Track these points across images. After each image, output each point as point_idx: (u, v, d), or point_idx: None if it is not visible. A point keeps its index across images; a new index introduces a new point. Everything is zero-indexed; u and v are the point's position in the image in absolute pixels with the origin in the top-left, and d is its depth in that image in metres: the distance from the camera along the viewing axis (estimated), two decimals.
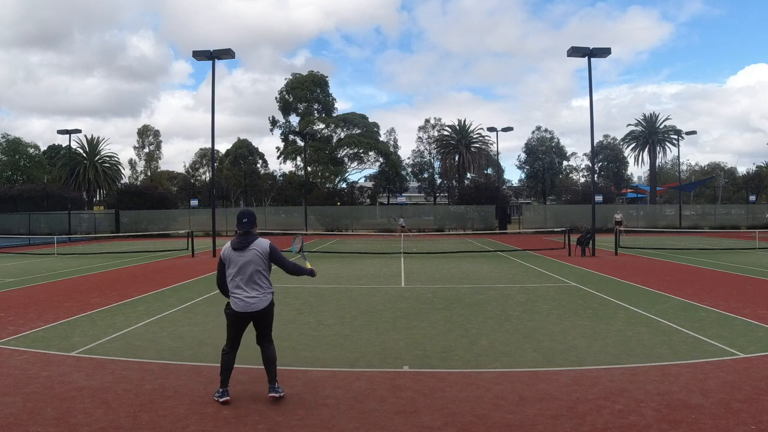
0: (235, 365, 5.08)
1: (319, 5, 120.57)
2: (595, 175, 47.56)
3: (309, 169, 53.93)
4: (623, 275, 14.18)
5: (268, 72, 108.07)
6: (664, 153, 61.57)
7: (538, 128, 67.56)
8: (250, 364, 6.18)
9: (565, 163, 67.63)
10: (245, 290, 4.97)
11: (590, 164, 46.46)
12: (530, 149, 64.60)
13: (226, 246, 5.14)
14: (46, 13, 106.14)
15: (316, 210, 43.84)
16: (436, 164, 61.48)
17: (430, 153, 61.75)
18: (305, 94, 59.24)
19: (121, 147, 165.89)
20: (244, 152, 62.60)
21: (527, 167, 65.07)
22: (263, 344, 5.18)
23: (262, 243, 5.08)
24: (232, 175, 59.87)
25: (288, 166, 61.59)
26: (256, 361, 6.34)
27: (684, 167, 66.70)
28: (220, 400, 4.92)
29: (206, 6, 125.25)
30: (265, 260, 5.09)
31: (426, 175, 62.43)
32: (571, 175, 69.10)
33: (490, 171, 58.75)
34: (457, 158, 56.23)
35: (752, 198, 45.76)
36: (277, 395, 4.96)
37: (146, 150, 69.20)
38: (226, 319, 5.11)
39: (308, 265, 5.56)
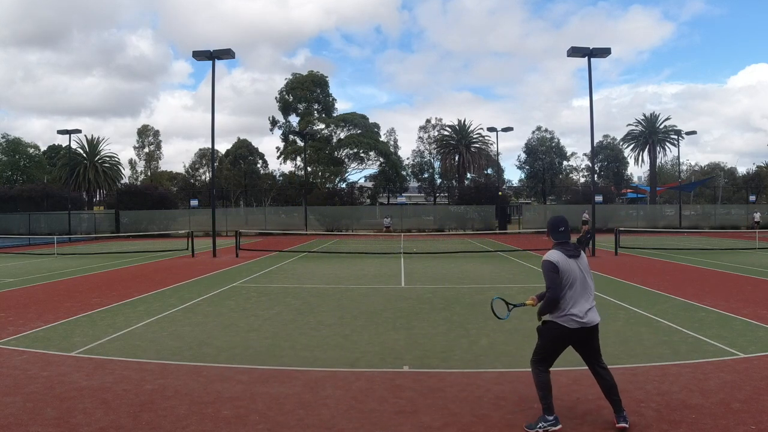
0: (235, 365, 5.07)
1: (319, 4, 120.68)
2: (595, 175, 47.56)
3: (309, 169, 53.92)
4: (623, 275, 14.18)
5: (268, 71, 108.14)
6: (664, 153, 61.67)
7: (539, 128, 67.51)
8: (251, 364, 6.19)
9: (565, 163, 67.63)
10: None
11: (590, 164, 46.47)
12: (530, 149, 64.56)
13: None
14: (45, 12, 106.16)
15: (316, 210, 43.85)
16: (436, 164, 61.52)
17: (430, 153, 61.76)
18: (305, 94, 59.21)
19: (120, 147, 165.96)
20: (244, 152, 62.55)
21: (527, 167, 65.09)
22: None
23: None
24: (232, 175, 59.84)
25: (288, 166, 61.62)
26: (257, 361, 6.36)
27: (684, 167, 66.78)
28: (552, 429, 4.20)
29: (205, 5, 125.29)
30: None
31: (426, 175, 62.42)
32: (571, 175, 69.06)
33: (490, 171, 58.74)
34: (457, 158, 56.23)
35: (752, 198, 45.76)
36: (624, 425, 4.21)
37: (146, 150, 69.20)
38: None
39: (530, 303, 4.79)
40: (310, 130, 52.94)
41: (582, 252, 4.53)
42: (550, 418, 4.25)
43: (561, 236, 4.43)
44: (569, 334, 4.30)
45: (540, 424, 4.23)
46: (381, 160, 58.16)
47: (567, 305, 4.28)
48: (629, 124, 64.14)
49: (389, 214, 42.64)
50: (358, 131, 57.91)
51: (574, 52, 20.39)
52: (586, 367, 5.95)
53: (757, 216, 27.17)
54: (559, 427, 4.22)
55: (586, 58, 20.53)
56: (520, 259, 19.34)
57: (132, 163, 69.30)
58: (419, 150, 62.02)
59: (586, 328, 4.30)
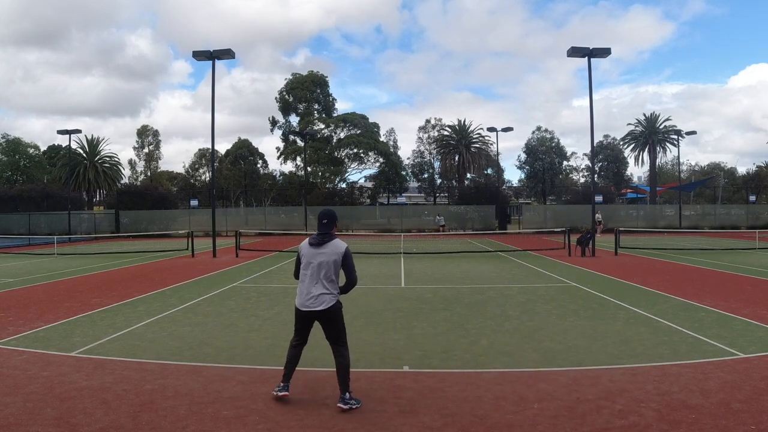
0: (235, 365, 5.08)
1: (319, 3, 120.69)
2: (595, 175, 47.55)
3: (309, 169, 53.93)
4: (623, 275, 14.18)
5: (268, 71, 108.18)
6: (664, 153, 61.69)
7: (539, 128, 67.57)
8: (251, 364, 6.19)
9: (565, 163, 67.67)
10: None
11: (590, 164, 46.48)
12: (530, 149, 64.59)
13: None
14: (44, 11, 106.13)
15: (316, 210, 43.76)
16: (436, 164, 61.56)
17: (430, 153, 61.79)
18: (305, 94, 59.23)
19: (120, 147, 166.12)
20: (244, 152, 62.55)
21: (527, 167, 65.10)
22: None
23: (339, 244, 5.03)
24: (232, 175, 59.85)
25: (288, 166, 61.64)
26: (257, 361, 6.36)
27: (684, 167, 66.74)
28: (279, 393, 4.93)
29: (205, 4, 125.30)
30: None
31: (426, 176, 62.44)
32: (571, 175, 69.10)
33: (490, 171, 58.75)
34: (457, 158, 56.24)
35: (752, 198, 45.76)
36: (345, 407, 4.69)
37: (146, 150, 69.16)
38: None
39: None
40: (310, 130, 52.93)
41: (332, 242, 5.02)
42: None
43: (323, 227, 5.08)
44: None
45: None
46: (381, 160, 58.17)
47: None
48: (629, 124, 64.29)
49: (439, 212, 42.49)
50: (358, 131, 57.91)
51: (574, 52, 20.40)
52: (586, 367, 5.98)
53: (599, 216, 27.11)
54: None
55: (586, 58, 20.53)
56: (520, 259, 19.34)
57: (132, 164, 69.32)
58: (419, 150, 62.10)
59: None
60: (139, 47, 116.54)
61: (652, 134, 59.14)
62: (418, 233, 40.01)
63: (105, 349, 6.96)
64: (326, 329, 5.01)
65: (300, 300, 4.96)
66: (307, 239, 5.10)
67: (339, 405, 4.70)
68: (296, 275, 5.11)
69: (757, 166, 61.94)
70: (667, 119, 60.12)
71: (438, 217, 40.40)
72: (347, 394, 4.77)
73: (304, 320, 5.04)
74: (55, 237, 29.26)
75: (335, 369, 4.89)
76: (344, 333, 5.04)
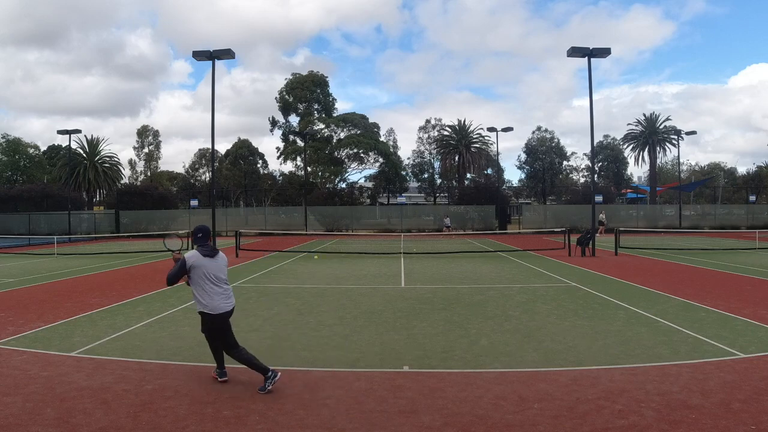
0: (235, 365, 5.11)
1: (319, 2, 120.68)
2: (595, 175, 47.55)
3: (309, 169, 53.95)
4: (623, 275, 14.18)
5: (268, 71, 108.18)
6: (664, 153, 61.70)
7: (539, 128, 67.66)
8: None
9: (565, 163, 67.71)
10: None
11: (590, 164, 46.48)
12: (530, 149, 64.63)
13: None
14: (43, 11, 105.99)
15: (316, 210, 43.85)
16: (436, 164, 61.57)
17: (430, 153, 61.82)
18: (305, 94, 59.26)
19: (120, 147, 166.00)
20: (244, 152, 62.61)
21: (527, 167, 65.11)
22: None
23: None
24: (232, 175, 59.88)
25: (288, 166, 61.69)
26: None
27: (684, 167, 66.81)
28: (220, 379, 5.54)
29: (205, 3, 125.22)
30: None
31: (426, 176, 62.46)
32: (571, 175, 69.12)
33: (490, 171, 58.75)
34: (457, 158, 56.22)
35: (752, 198, 45.75)
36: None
37: (146, 150, 69.23)
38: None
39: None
40: (310, 130, 52.98)
41: (218, 252, 5.66)
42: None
43: (199, 240, 5.64)
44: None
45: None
46: (381, 160, 58.20)
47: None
48: (629, 124, 64.24)
49: (447, 213, 42.43)
50: (358, 131, 57.95)
51: (574, 52, 20.39)
52: (586, 367, 5.98)
53: (602, 216, 27.03)
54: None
55: (586, 58, 20.53)
56: (520, 259, 19.34)
57: (132, 164, 69.41)
58: (419, 150, 62.13)
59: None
60: (138, 47, 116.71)
61: (652, 134, 59.15)
62: (419, 233, 40.03)
63: (105, 349, 6.96)
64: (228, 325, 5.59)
65: (215, 305, 5.41)
66: (196, 251, 5.53)
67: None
68: (174, 281, 5.50)
69: (757, 166, 61.97)
70: (667, 119, 60.23)
71: (446, 219, 40.32)
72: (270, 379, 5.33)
73: (223, 321, 5.49)
74: (55, 237, 29.25)
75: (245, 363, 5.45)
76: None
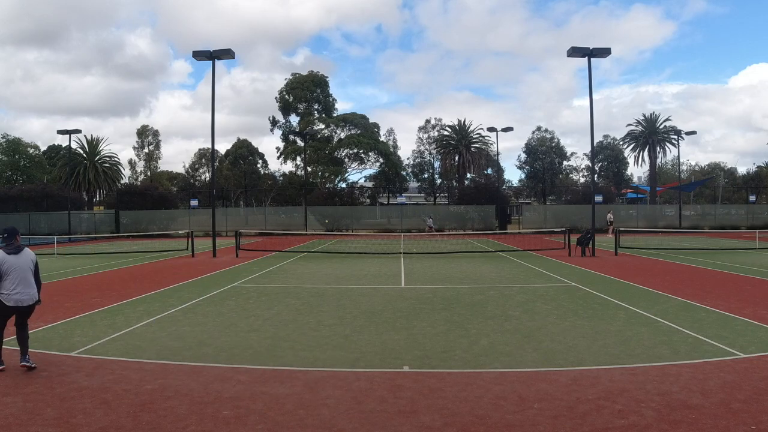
0: (235, 365, 5.10)
1: (319, 1, 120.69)
2: (595, 175, 47.55)
3: (309, 169, 53.94)
4: (623, 275, 14.18)
5: (268, 71, 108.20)
6: (664, 153, 61.70)
7: (539, 128, 67.69)
8: (251, 364, 6.19)
9: (565, 163, 67.72)
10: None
11: (590, 164, 46.48)
12: (530, 149, 64.64)
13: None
14: (42, 10, 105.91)
15: (316, 210, 43.86)
16: (436, 164, 61.57)
17: (430, 153, 61.82)
18: (305, 94, 59.27)
19: (120, 147, 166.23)
20: (244, 152, 62.61)
21: (527, 167, 65.11)
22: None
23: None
24: (232, 175, 59.88)
25: (288, 166, 61.68)
26: (257, 361, 6.36)
27: (684, 167, 66.78)
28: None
29: (204, 3, 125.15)
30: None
31: (426, 176, 62.46)
32: (571, 175, 69.14)
33: (490, 171, 58.76)
34: (457, 158, 56.23)
35: (752, 198, 45.75)
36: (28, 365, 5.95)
37: (146, 150, 69.26)
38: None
39: None
40: (310, 130, 52.98)
41: (24, 249, 6.28)
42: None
43: (5, 240, 6.25)
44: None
45: None
46: (381, 160, 58.20)
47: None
48: (629, 125, 64.20)
49: (430, 214, 42.24)
50: (358, 131, 57.96)
51: (574, 52, 20.39)
52: (586, 367, 5.98)
53: (611, 216, 27.12)
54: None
55: (586, 58, 20.54)
56: (520, 259, 19.34)
57: (132, 164, 69.42)
58: (419, 150, 62.13)
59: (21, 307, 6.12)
60: (138, 47, 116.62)
61: (652, 134, 59.14)
62: (419, 233, 40.03)
63: (105, 349, 6.96)
64: (26, 318, 6.26)
65: (13, 297, 6.01)
66: (2, 251, 6.17)
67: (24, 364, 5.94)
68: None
69: (757, 166, 61.98)
70: (668, 119, 60.22)
71: (428, 219, 40.16)
72: (27, 356, 6.02)
73: (18, 312, 6.14)
74: (55, 237, 29.25)
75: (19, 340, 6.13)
76: None
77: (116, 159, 59.66)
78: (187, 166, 72.11)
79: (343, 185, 58.26)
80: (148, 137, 69.25)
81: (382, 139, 60.76)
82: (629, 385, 5.29)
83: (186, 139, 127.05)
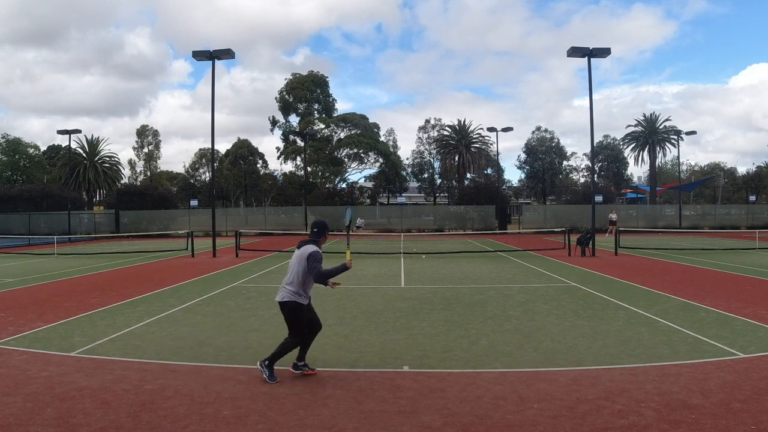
0: (235, 365, 5.12)
1: (319, 1, 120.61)
2: (595, 175, 47.55)
3: (309, 169, 53.93)
4: (623, 275, 14.18)
5: (267, 70, 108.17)
6: (664, 153, 61.72)
7: (539, 128, 67.71)
8: (251, 365, 6.19)
9: (565, 163, 67.74)
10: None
11: (590, 164, 46.49)
12: (530, 149, 64.65)
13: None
14: (42, 10, 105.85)
15: (316, 210, 43.85)
16: (436, 164, 61.58)
17: (430, 153, 61.83)
18: (305, 94, 59.29)
19: (120, 147, 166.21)
20: (244, 152, 62.64)
21: (527, 167, 65.12)
22: None
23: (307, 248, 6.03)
24: (232, 175, 59.90)
25: (288, 166, 61.70)
26: (257, 361, 6.36)
27: (684, 167, 66.80)
28: None
29: (204, 2, 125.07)
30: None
31: (426, 176, 62.46)
32: (571, 175, 69.16)
33: (490, 171, 58.76)
34: (457, 158, 56.24)
35: (752, 198, 45.75)
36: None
37: (145, 150, 69.27)
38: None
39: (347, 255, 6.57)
40: (310, 130, 52.93)
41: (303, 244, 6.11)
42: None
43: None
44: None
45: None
46: (381, 160, 58.21)
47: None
48: (629, 125, 64.16)
49: (361, 215, 40.74)
50: (358, 131, 57.95)
51: (574, 52, 20.39)
52: (586, 367, 5.98)
53: (614, 216, 27.20)
54: None
55: (587, 58, 20.53)
56: (520, 259, 19.34)
57: (131, 163, 69.43)
58: (419, 150, 62.14)
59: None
60: (137, 46, 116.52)
61: (652, 134, 59.15)
62: (419, 233, 40.02)
63: (105, 349, 6.96)
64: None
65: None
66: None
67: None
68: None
69: (757, 166, 61.98)
70: (668, 119, 60.26)
71: (360, 219, 37.61)
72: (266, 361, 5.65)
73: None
74: (55, 237, 29.23)
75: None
76: (292, 326, 5.84)
77: (116, 159, 59.71)
78: (187, 166, 72.22)
79: (343, 185, 58.31)
80: (147, 137, 69.29)
81: (382, 139, 60.81)
82: (629, 385, 5.29)
83: (186, 139, 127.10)
